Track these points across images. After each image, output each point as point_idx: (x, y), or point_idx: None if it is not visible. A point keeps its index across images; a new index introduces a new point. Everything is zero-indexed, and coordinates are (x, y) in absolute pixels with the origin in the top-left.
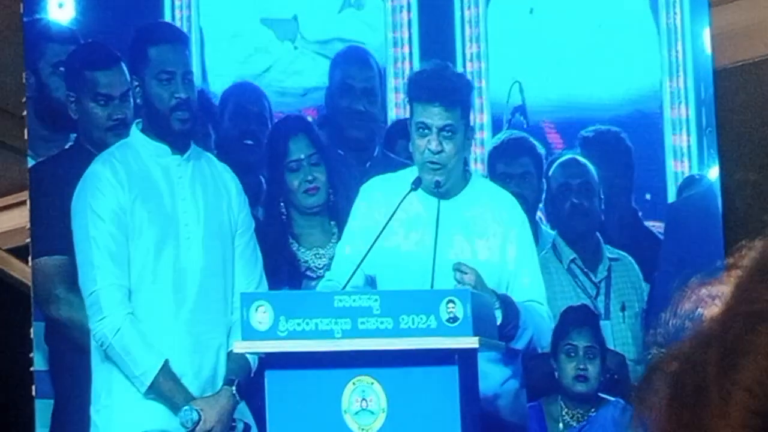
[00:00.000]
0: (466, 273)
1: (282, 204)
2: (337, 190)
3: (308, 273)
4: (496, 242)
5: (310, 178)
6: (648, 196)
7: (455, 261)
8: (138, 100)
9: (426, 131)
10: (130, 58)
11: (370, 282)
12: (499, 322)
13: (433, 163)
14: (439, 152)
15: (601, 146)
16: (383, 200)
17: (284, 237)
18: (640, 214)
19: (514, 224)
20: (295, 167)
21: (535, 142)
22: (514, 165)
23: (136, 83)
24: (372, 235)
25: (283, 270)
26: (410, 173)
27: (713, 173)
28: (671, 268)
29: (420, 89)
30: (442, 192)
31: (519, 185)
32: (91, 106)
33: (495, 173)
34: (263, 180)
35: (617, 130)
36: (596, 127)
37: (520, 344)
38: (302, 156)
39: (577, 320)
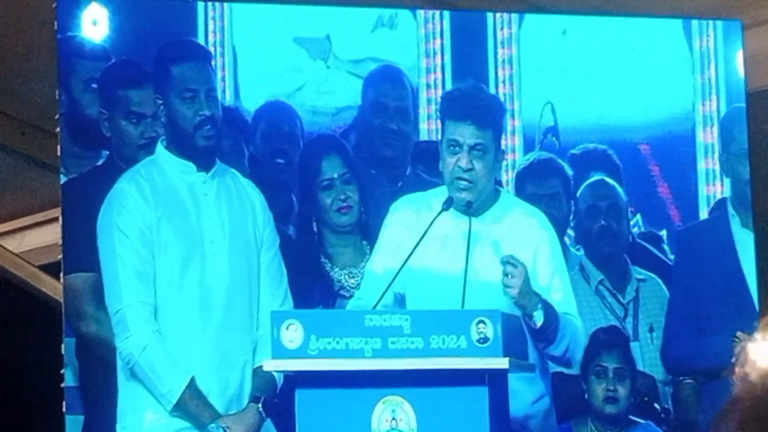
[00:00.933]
0: (516, 266)
1: (314, 223)
2: (369, 209)
3: (342, 292)
4: (527, 258)
5: (342, 197)
6: (638, 218)
7: (486, 278)
8: (162, 119)
9: (457, 149)
10: (153, 77)
11: (400, 301)
12: (540, 323)
13: (462, 179)
14: (469, 170)
15: (589, 164)
16: (413, 219)
17: (317, 256)
18: (636, 231)
19: (544, 239)
20: (328, 186)
21: (563, 163)
22: (543, 186)
23: (160, 102)
24: (402, 255)
25: (317, 289)
26: (440, 192)
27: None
28: (686, 292)
29: (453, 106)
30: (471, 211)
31: (548, 206)
32: (123, 125)
33: (523, 194)
34: (294, 199)
35: (604, 147)
36: (584, 145)
37: (559, 350)
38: (335, 175)
39: (607, 342)
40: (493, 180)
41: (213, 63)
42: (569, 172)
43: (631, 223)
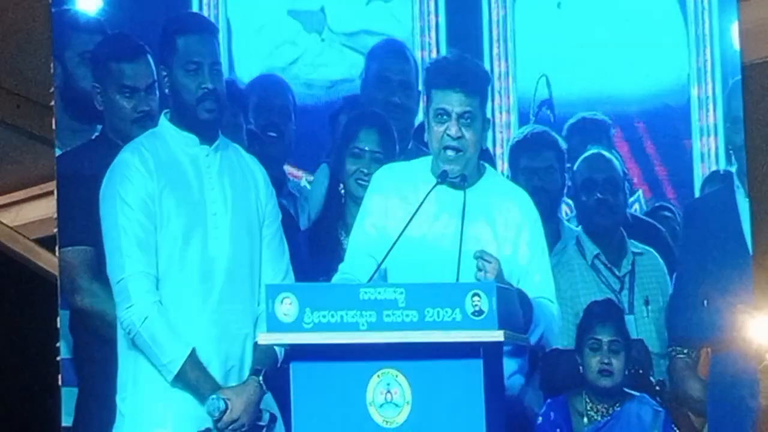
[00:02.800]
0: (489, 262)
1: (342, 187)
2: None
3: (341, 263)
4: (510, 235)
5: (365, 170)
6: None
7: (472, 250)
8: (166, 90)
9: (445, 117)
10: (158, 48)
11: (381, 274)
12: None
13: (452, 148)
14: (458, 138)
15: (584, 135)
16: (395, 189)
17: (334, 223)
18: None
19: (528, 220)
20: (357, 154)
21: (557, 137)
22: (537, 159)
23: (164, 73)
24: (386, 225)
25: (326, 256)
26: (424, 162)
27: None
28: (691, 265)
29: (439, 75)
30: (458, 183)
31: (542, 179)
32: (116, 98)
33: (517, 167)
34: (286, 172)
35: (603, 119)
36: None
37: (532, 339)
38: (366, 148)
39: (602, 314)
40: (479, 150)
41: (219, 37)
42: (563, 145)
43: (631, 199)
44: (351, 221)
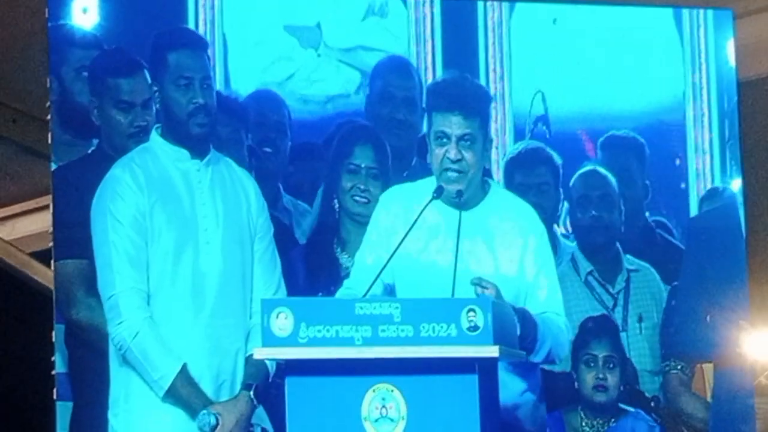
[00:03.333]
0: (486, 288)
1: (336, 203)
2: None
3: (346, 279)
4: (515, 253)
5: (362, 186)
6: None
7: (475, 271)
8: (157, 105)
9: (445, 140)
10: (149, 64)
11: (389, 291)
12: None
13: (451, 170)
14: (458, 160)
15: (617, 152)
16: (402, 209)
17: (330, 240)
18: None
19: (533, 235)
20: (353, 171)
21: (552, 153)
22: (532, 175)
23: (156, 88)
24: (391, 244)
25: (323, 272)
26: (430, 183)
27: (735, 185)
28: (692, 281)
29: (439, 98)
30: (461, 202)
31: (537, 195)
32: (113, 113)
33: (512, 183)
34: (281, 187)
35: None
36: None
37: (538, 357)
38: (362, 164)
39: (597, 330)
40: (482, 169)
41: (209, 52)
42: (558, 160)
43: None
44: (347, 237)
